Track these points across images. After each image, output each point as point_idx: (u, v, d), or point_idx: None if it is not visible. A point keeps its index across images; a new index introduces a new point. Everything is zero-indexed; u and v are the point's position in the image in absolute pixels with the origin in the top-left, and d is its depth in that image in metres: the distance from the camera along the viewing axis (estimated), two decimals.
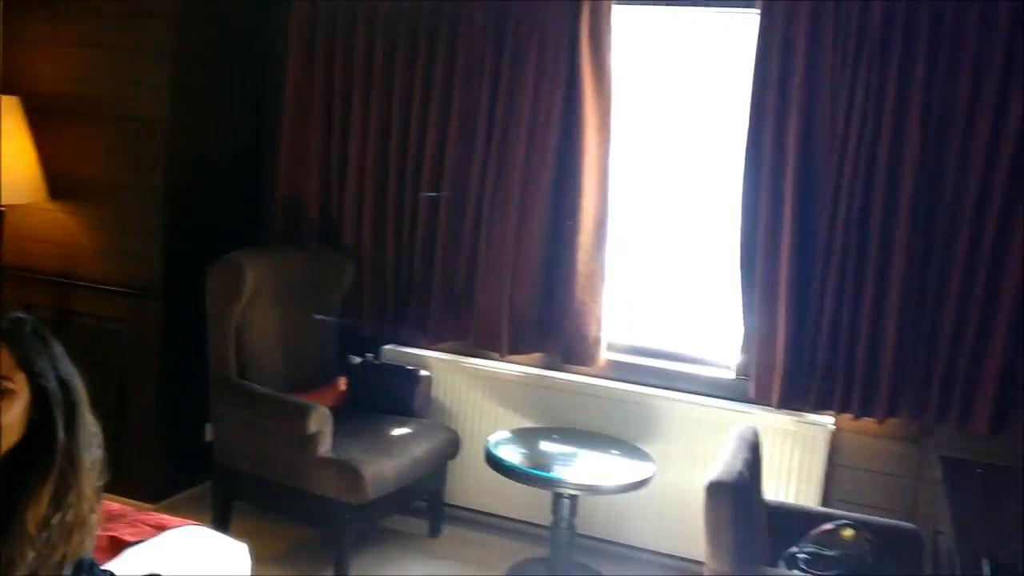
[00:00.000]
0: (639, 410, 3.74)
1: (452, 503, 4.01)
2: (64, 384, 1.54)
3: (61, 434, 1.50)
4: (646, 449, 3.63)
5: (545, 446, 3.63)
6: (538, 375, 3.91)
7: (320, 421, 3.37)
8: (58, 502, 1.48)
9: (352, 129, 3.98)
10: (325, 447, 3.40)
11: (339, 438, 3.46)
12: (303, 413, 3.36)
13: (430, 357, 4.04)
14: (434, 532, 3.92)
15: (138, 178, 3.85)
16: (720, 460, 2.52)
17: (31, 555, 1.45)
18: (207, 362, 3.68)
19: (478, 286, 3.88)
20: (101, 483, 1.63)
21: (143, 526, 2.49)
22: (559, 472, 3.40)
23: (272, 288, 3.73)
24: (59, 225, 3.97)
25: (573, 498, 3.51)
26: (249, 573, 2.58)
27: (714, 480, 2.37)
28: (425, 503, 3.94)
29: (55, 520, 1.47)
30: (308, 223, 4.13)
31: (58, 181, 3.88)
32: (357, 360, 4.09)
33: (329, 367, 3.99)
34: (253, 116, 4.29)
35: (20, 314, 1.54)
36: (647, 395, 3.74)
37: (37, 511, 1.45)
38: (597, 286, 3.79)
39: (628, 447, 3.63)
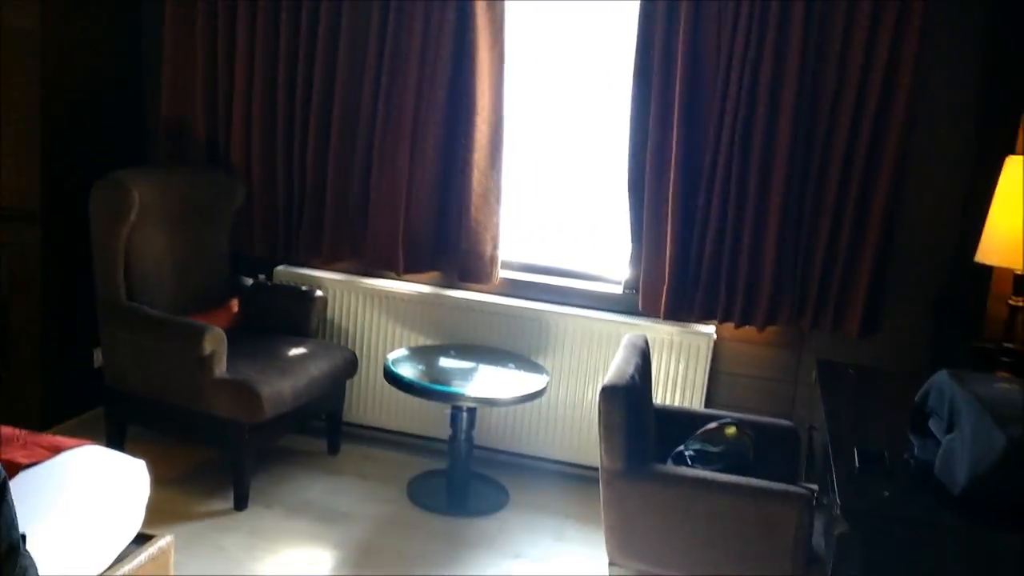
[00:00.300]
0: (533, 325, 3.84)
1: (350, 422, 4.05)
2: None
3: None
4: (540, 362, 3.75)
5: (443, 362, 3.70)
6: (435, 294, 3.96)
7: (215, 342, 3.34)
8: None
9: (238, 46, 3.86)
10: (221, 368, 3.38)
11: (234, 360, 3.44)
12: (197, 335, 3.32)
13: (325, 278, 4.03)
14: (333, 450, 3.96)
15: (10, 94, 3.65)
16: (613, 366, 2.63)
17: None
18: (93, 286, 3.58)
19: (372, 206, 3.86)
20: None
21: (37, 448, 2.45)
22: (457, 386, 3.48)
23: (160, 209, 3.63)
24: None
25: (471, 411, 3.61)
26: (148, 490, 2.58)
27: (607, 384, 2.48)
28: (323, 422, 3.97)
29: None
30: (194, 143, 4.02)
31: None
32: (249, 282, 4.05)
33: (220, 289, 3.93)
34: (134, 31, 4.11)
35: None
36: (541, 311, 3.84)
37: None
38: (491, 205, 3.83)
39: (523, 361, 3.73)
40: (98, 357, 4.02)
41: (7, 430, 2.52)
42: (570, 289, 3.90)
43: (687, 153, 3.52)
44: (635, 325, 3.70)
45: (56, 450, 2.46)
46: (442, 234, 3.90)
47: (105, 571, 2.38)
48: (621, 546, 2.52)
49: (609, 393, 2.46)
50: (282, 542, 3.27)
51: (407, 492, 3.68)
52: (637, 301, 3.72)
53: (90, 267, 3.57)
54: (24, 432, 2.56)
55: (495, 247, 3.86)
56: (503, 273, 3.93)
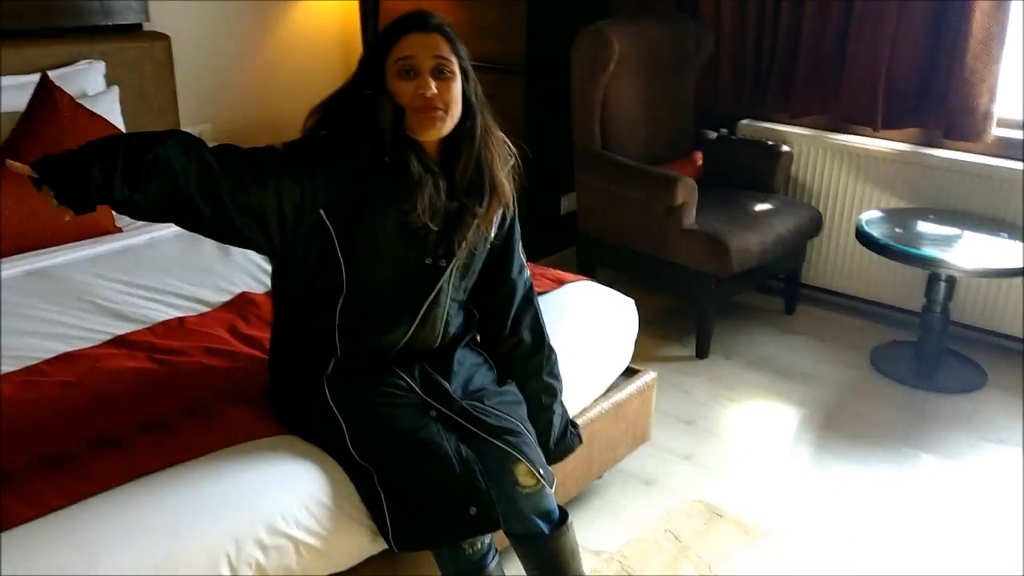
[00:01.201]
0: None
1: (808, 283, 3.94)
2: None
3: (478, 112, 1.85)
4: None
5: (921, 226, 3.40)
6: (913, 152, 3.63)
7: (687, 192, 3.37)
8: (479, 165, 1.87)
9: None
10: (690, 219, 3.41)
11: (701, 211, 3.45)
12: (670, 184, 3.37)
13: (790, 132, 3.87)
14: (789, 310, 3.89)
15: None
16: None
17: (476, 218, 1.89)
18: (563, 136, 3.76)
19: (850, 50, 3.59)
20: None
21: (544, 279, 2.66)
22: (938, 252, 3.19)
23: (634, 59, 3.68)
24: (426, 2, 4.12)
25: (951, 280, 3.31)
26: (636, 327, 2.71)
27: None
28: (780, 281, 3.90)
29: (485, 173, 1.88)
30: None
31: None
32: (712, 135, 4.01)
33: (685, 141, 3.95)
34: None
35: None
36: None
37: (466, 171, 1.87)
38: (993, 51, 3.37)
39: (1018, 230, 3.32)
40: (565, 203, 4.28)
41: None
42: None
43: None
44: None
45: (560, 282, 2.66)
46: (928, 85, 3.53)
47: (599, 397, 2.57)
48: None
49: None
50: (743, 392, 3.30)
51: (870, 359, 3.51)
52: None
53: (561, 118, 3.75)
54: (530, 264, 2.79)
55: (992, 100, 3.42)
56: (998, 131, 3.49)
